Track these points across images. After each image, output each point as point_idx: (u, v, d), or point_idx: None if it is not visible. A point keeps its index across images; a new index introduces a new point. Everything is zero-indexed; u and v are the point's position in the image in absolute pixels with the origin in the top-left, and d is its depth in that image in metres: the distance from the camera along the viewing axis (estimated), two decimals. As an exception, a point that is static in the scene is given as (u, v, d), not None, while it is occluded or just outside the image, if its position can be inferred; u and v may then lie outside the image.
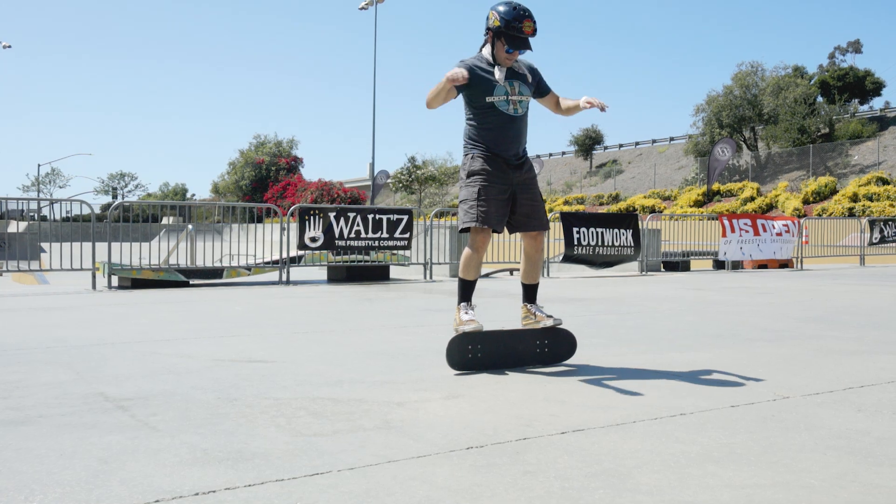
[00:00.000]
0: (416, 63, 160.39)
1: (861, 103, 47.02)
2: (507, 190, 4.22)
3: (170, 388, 3.65)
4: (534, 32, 4.14)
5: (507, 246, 15.14)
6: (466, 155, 4.31)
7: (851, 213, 30.12)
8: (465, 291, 4.32)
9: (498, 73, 4.20)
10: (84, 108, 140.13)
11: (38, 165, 70.98)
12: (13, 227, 18.17)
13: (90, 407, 3.25)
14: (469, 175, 4.23)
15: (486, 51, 4.26)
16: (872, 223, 18.46)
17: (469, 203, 4.18)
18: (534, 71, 4.40)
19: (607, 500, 2.18)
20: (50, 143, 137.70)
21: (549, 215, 13.62)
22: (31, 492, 2.20)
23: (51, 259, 11.47)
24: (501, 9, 4.11)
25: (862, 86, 47.22)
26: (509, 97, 4.21)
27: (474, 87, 4.17)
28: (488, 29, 4.20)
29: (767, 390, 3.70)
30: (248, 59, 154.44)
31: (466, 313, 4.23)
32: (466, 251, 4.29)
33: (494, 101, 4.19)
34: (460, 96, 4.26)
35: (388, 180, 55.73)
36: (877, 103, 48.76)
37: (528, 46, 4.17)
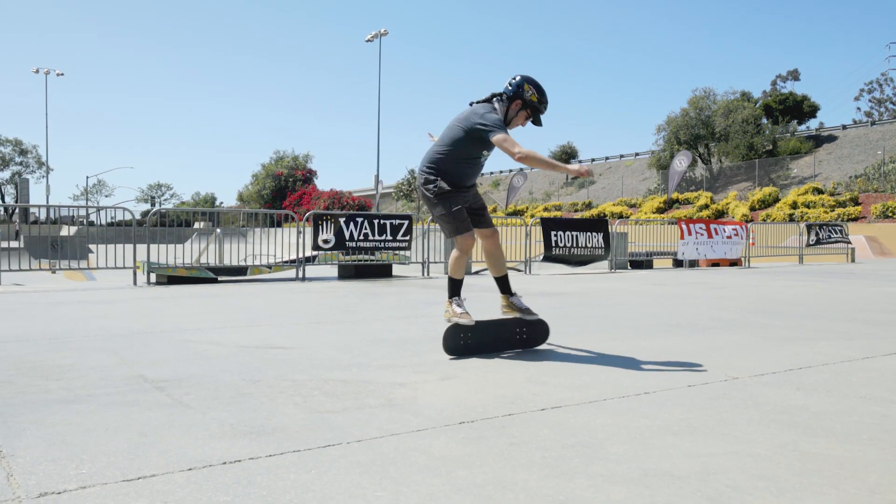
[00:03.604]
0: (416, 87, 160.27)
1: (799, 124, 47.15)
2: (465, 203, 4.28)
3: (201, 371, 3.63)
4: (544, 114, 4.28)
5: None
6: (434, 180, 4.15)
7: (791, 219, 30.19)
8: (456, 288, 4.31)
9: None
10: (126, 127, 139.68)
11: (87, 177, 70.57)
12: (65, 230, 18.07)
13: (131, 387, 3.24)
14: (440, 194, 4.13)
15: (501, 109, 4.13)
16: (809, 227, 18.51)
17: (449, 217, 4.16)
18: None
19: (582, 468, 2.18)
20: (97, 158, 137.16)
21: (531, 221, 13.62)
22: (81, 461, 2.19)
23: (97, 259, 11.43)
24: (539, 87, 4.13)
25: (800, 109, 47.39)
26: (487, 156, 4.26)
27: (487, 140, 4.02)
28: (520, 97, 4.11)
29: (720, 372, 3.71)
30: (270, 83, 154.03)
31: (459, 307, 4.21)
32: (455, 254, 4.28)
33: (485, 155, 4.20)
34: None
35: (388, 189, 55.62)
36: (813, 124, 49.03)
37: (541, 123, 4.24)
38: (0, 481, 2.01)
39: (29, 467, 2.13)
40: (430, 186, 4.17)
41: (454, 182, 4.17)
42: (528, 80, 4.13)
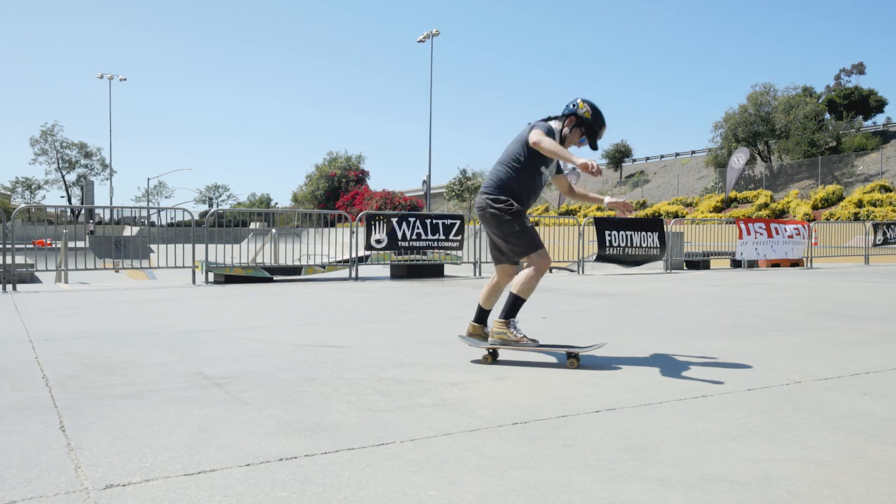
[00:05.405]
0: (467, 87, 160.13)
1: (865, 119, 45.43)
2: None
3: (257, 368, 3.71)
4: (601, 138, 4.24)
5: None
6: (506, 199, 4.05)
7: (857, 218, 29.15)
8: (517, 308, 4.03)
9: None
10: (185, 130, 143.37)
11: (148, 179, 73.01)
12: (128, 231, 18.69)
13: (191, 384, 3.32)
14: (514, 212, 4.03)
15: (557, 126, 4.13)
16: (876, 226, 17.84)
17: (526, 232, 4.02)
18: None
19: (637, 471, 2.15)
20: (157, 161, 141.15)
21: (584, 221, 13.48)
22: (144, 454, 2.26)
23: (158, 258, 11.79)
24: (594, 107, 4.14)
25: (866, 103, 45.68)
26: (548, 173, 4.20)
27: (541, 155, 4.03)
28: (575, 114, 4.11)
29: (781, 375, 3.61)
30: (324, 87, 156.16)
31: (517, 329, 4.02)
32: (531, 272, 3.97)
33: (544, 172, 4.15)
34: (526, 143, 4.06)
35: (439, 189, 55.79)
36: (879, 119, 47.18)
37: (596, 147, 4.23)
38: (68, 473, 2.09)
39: (95, 460, 2.21)
40: (501, 206, 4.05)
41: (521, 202, 4.10)
42: (584, 100, 4.18)
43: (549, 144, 3.85)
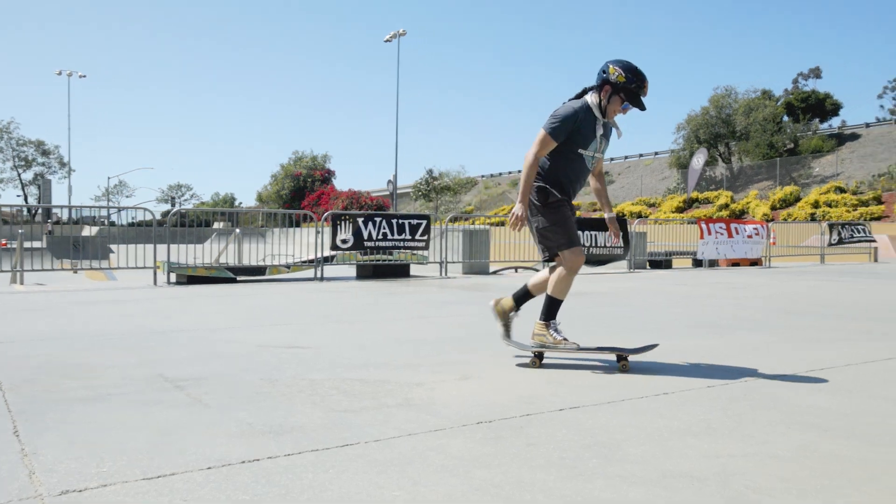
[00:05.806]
0: (434, 87, 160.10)
1: (821, 122, 46.57)
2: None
3: (220, 370, 3.66)
4: (645, 95, 3.87)
5: (511, 247, 15.11)
6: (543, 186, 3.88)
7: (813, 218, 29.84)
8: (555, 310, 3.93)
9: (599, 129, 3.89)
10: (147, 129, 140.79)
11: (108, 178, 71.78)
12: (87, 231, 18.29)
13: (152, 386, 3.26)
14: (549, 203, 3.88)
15: (593, 100, 3.85)
16: (831, 227, 18.29)
17: (559, 227, 3.88)
18: (611, 131, 4.05)
19: (600, 469, 2.17)
20: (118, 159, 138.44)
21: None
22: (102, 459, 2.21)
23: (118, 258, 11.56)
24: (627, 67, 3.79)
25: (822, 107, 46.82)
26: (595, 154, 3.95)
27: (573, 136, 3.82)
28: (607, 82, 3.80)
29: (740, 372, 3.68)
30: (289, 85, 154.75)
31: (558, 332, 3.91)
32: (563, 272, 3.88)
33: (583, 154, 3.90)
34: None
35: (406, 189, 55.69)
36: (835, 122, 48.42)
37: (643, 107, 3.86)
38: (22, 479, 2.04)
39: (51, 465, 2.16)
40: (537, 194, 3.87)
41: (563, 190, 3.91)
42: (612, 63, 3.83)
43: (524, 171, 3.80)
